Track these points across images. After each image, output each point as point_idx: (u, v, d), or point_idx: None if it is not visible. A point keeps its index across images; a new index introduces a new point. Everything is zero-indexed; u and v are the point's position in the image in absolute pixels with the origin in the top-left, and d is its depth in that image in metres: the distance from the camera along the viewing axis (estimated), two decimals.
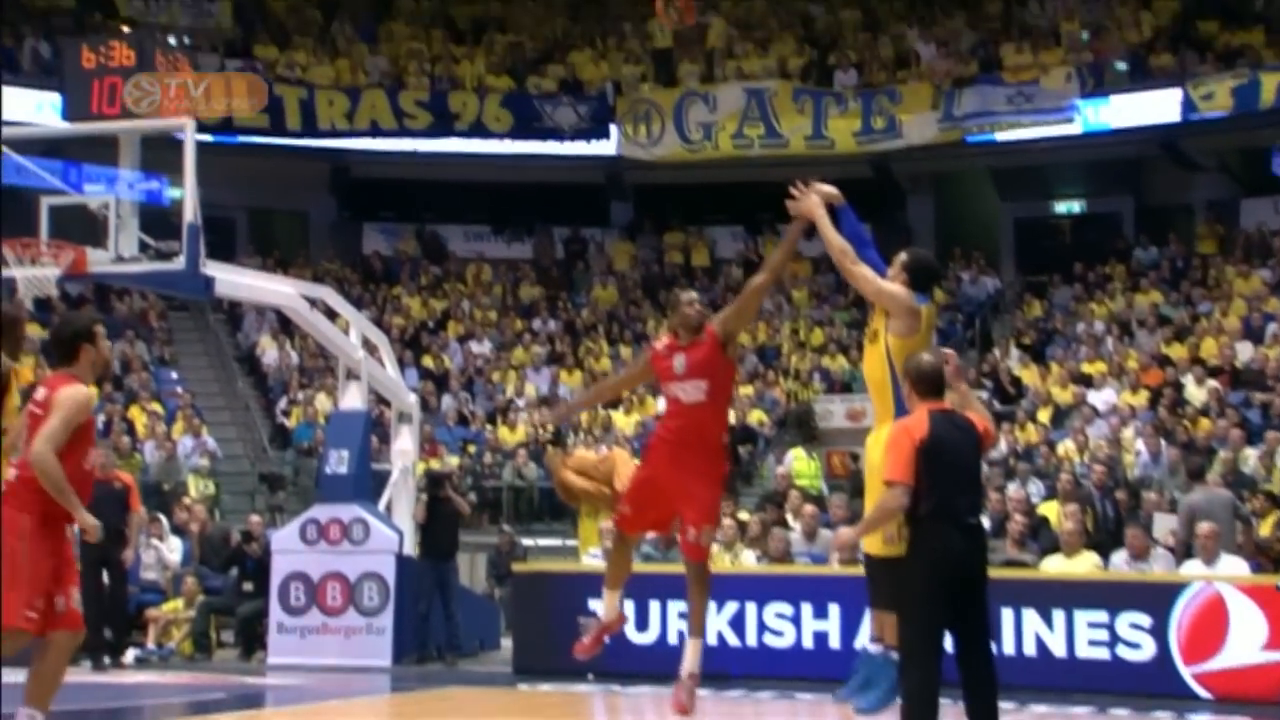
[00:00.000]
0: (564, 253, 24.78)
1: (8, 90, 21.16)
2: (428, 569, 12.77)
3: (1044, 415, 17.02)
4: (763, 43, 24.77)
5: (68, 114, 12.73)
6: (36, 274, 11.33)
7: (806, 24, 25.57)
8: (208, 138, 19.77)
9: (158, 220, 12.21)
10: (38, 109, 20.72)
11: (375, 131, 23.19)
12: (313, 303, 13.33)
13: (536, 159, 23.66)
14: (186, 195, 11.74)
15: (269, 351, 20.84)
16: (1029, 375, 18.56)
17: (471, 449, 18.63)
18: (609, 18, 26.55)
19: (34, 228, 12.00)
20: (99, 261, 11.52)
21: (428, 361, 20.97)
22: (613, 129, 23.48)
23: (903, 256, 6.47)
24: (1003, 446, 15.17)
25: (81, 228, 11.85)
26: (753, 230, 24.24)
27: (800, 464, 15.93)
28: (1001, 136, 22.34)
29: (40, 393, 6.14)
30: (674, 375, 6.83)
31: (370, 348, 13.95)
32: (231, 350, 21.70)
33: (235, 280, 12.72)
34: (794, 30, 25.25)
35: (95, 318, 6.60)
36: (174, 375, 20.15)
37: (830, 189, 6.92)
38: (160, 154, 12.44)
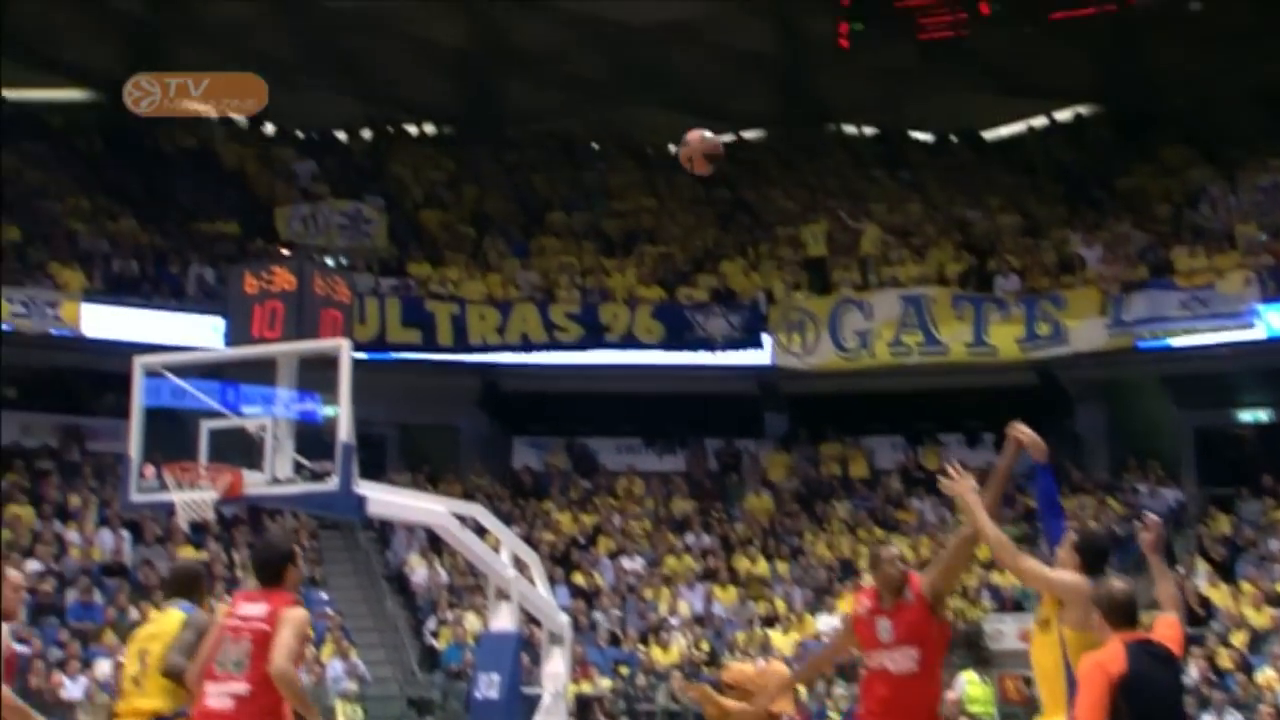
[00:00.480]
0: (717, 465, 24.95)
1: (174, 316, 22.56)
2: None
3: (1238, 639, 16.42)
4: (919, 249, 25.09)
5: (230, 338, 13.32)
6: (195, 498, 11.69)
7: (964, 229, 25.86)
8: (361, 355, 20.66)
9: (311, 439, 12.69)
10: (201, 333, 21.94)
11: (526, 345, 23.93)
12: (463, 520, 13.61)
13: (688, 370, 24.07)
14: (341, 415, 12.09)
15: (418, 570, 21.21)
16: (1219, 595, 17.98)
17: (624, 671, 18.53)
18: (760, 226, 27.22)
19: (190, 449, 12.65)
20: (255, 484, 11.92)
21: (578, 579, 21.11)
22: (766, 338, 23.84)
23: (1073, 536, 6.14)
24: (1194, 673, 14.62)
25: (237, 449, 12.41)
26: (913, 440, 24.16)
27: (973, 688, 15.48)
28: (1176, 342, 22.08)
29: (254, 609, 6.40)
30: (880, 643, 6.36)
31: (521, 565, 14.13)
32: (380, 569, 22.13)
33: (387, 499, 13.03)
34: (951, 236, 25.55)
35: (295, 539, 6.94)
36: (323, 596, 20.59)
37: (1031, 436, 6.48)
38: (314, 373, 12.96)
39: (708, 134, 8.63)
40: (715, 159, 8.85)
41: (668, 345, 23.90)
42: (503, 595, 13.72)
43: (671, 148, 30.39)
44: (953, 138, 30.46)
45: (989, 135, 30.10)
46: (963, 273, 24.14)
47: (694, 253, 26.40)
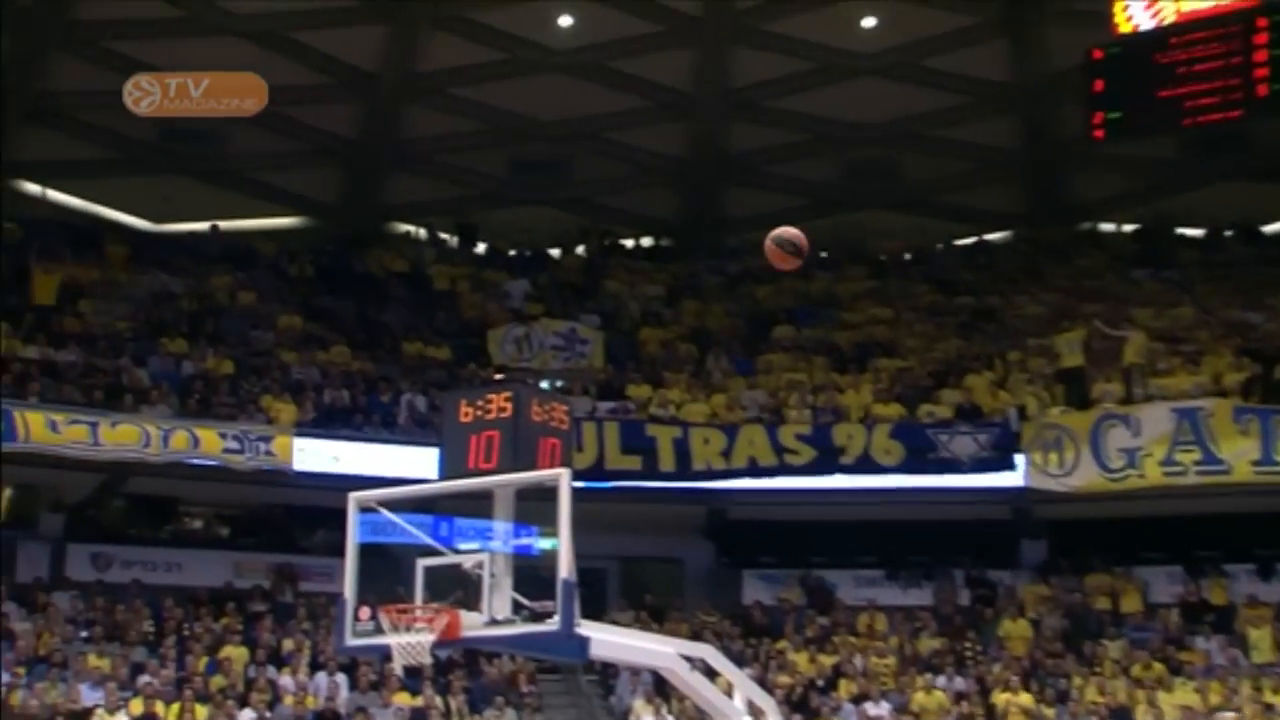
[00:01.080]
0: (969, 598, 24.32)
1: (386, 448, 23.18)
2: None
3: None
4: (1192, 356, 24.21)
5: (444, 470, 13.46)
6: (412, 641, 11.75)
7: (1243, 333, 24.88)
8: (579, 484, 20.83)
9: (528, 575, 12.47)
10: (414, 464, 22.46)
11: (754, 470, 23.77)
12: (691, 662, 13.44)
13: (933, 494, 23.57)
14: (562, 550, 11.89)
15: (644, 717, 21.05)
16: None
17: None
18: (1007, 335, 26.69)
19: (403, 588, 12.74)
20: (473, 625, 11.80)
21: None
22: (1019, 458, 23.20)
23: None
24: None
25: (452, 587, 12.50)
26: (1193, 571, 23.10)
27: None
28: None
29: None
30: None
31: (756, 712, 13.87)
32: (604, 716, 22.07)
33: (612, 640, 12.82)
34: (1229, 341, 24.60)
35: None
36: None
37: None
38: (530, 504, 12.91)
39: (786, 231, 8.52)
40: (795, 252, 8.76)
41: (909, 468, 23.47)
42: None
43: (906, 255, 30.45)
44: (1226, 232, 29.50)
45: (1268, 229, 29.03)
46: (1244, 382, 23.15)
47: (935, 366, 26.06)
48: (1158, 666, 21.25)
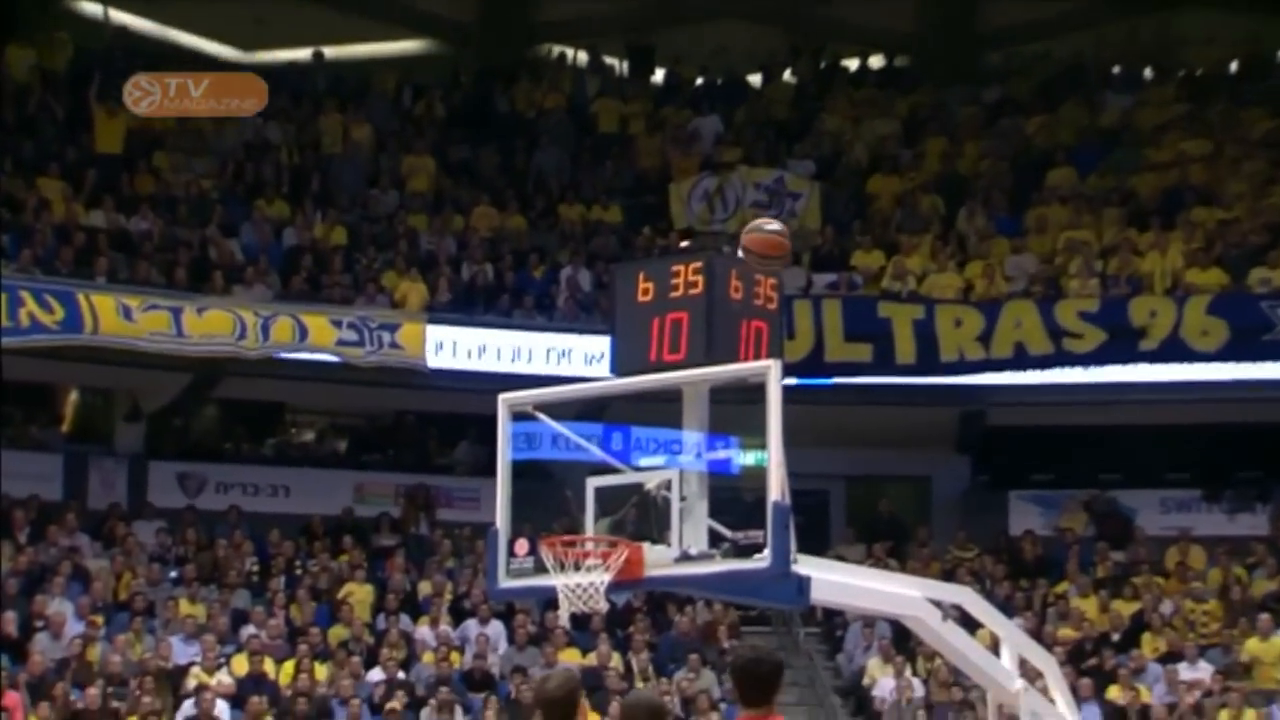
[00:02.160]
0: None
1: (543, 338, 23.44)
2: None
3: None
4: None
5: (618, 364, 13.49)
6: (582, 583, 11.81)
7: None
8: (791, 381, 20.87)
9: (724, 499, 12.40)
10: (577, 358, 22.70)
11: (1022, 361, 23.65)
12: (942, 609, 13.39)
13: (1267, 388, 23.22)
14: (771, 466, 11.67)
15: (881, 681, 21.22)
16: None
17: None
18: None
19: (564, 514, 12.78)
20: (658, 563, 11.76)
21: (1114, 692, 20.56)
22: None
23: None
24: None
25: (627, 514, 12.55)
26: None
27: None
28: None
29: None
30: None
31: (1030, 674, 13.84)
32: (830, 679, 22.24)
33: (838, 580, 12.80)
34: None
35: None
36: None
37: None
38: (725, 409, 12.65)
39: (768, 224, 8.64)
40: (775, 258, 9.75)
41: (1234, 353, 23.15)
42: (1007, 718, 13.38)
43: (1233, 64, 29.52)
44: None
45: None
46: None
47: (1269, 218, 25.49)
48: None
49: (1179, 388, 23.49)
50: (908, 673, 21.13)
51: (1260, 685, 20.76)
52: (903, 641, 20.88)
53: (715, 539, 11.94)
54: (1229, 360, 23.27)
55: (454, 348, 23.19)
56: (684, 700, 20.24)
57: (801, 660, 22.53)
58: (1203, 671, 20.95)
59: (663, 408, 12.74)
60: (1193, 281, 24.15)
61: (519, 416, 12.69)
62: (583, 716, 7.13)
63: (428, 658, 20.74)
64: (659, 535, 11.91)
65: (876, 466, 25.49)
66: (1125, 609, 22.42)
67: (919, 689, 20.96)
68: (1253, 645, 21.07)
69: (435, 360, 23.07)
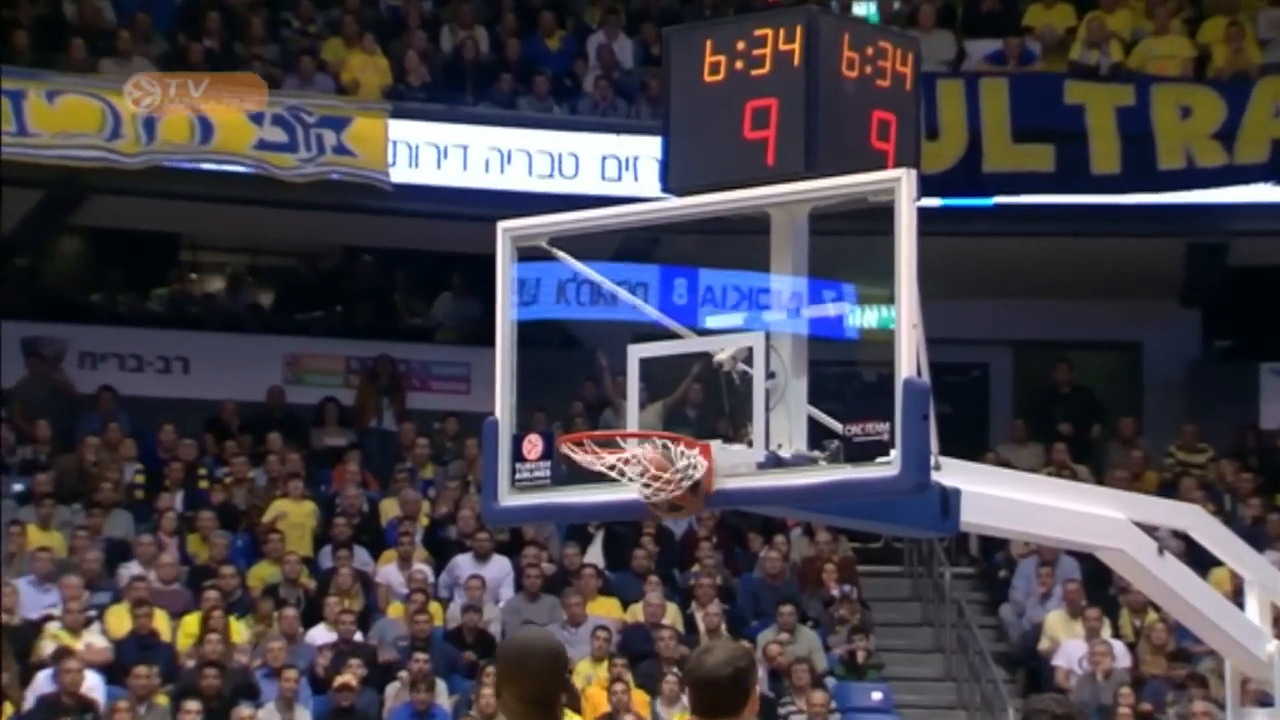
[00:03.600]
0: None
1: (557, 137, 23.40)
2: None
3: None
4: None
5: (672, 178, 13.45)
6: (623, 500, 11.90)
7: None
8: (934, 201, 20.78)
9: (832, 373, 12.73)
10: (611, 166, 22.83)
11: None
12: (1159, 538, 13.31)
13: None
14: (901, 328, 11.97)
15: (1065, 644, 21.30)
16: None
17: None
18: None
19: (592, 401, 12.75)
20: (735, 470, 11.72)
21: None
22: None
23: None
24: None
25: (684, 399, 12.72)
26: None
27: None
28: None
29: None
30: None
31: None
32: (989, 640, 22.36)
33: (1003, 497, 12.89)
34: None
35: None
36: (875, 697, 20.88)
37: None
38: (835, 239, 12.80)
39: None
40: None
41: None
42: (1254, 698, 13.68)
43: None
44: None
45: None
46: None
47: None
48: None
49: None
50: (1105, 633, 21.24)
51: None
52: (1099, 587, 21.01)
53: (819, 435, 11.92)
54: None
55: (430, 153, 23.29)
56: (771, 670, 20.40)
57: (948, 613, 22.63)
58: None
59: (740, 242, 12.90)
60: None
61: (527, 256, 12.69)
62: (753, 709, 7.41)
63: (394, 610, 20.95)
64: (735, 430, 11.94)
65: (1060, 328, 25.59)
66: None
67: (1122, 656, 21.08)
68: None
69: (402, 173, 23.14)
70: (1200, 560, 14.27)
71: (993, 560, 23.02)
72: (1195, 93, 23.98)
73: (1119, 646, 21.09)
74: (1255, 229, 24.38)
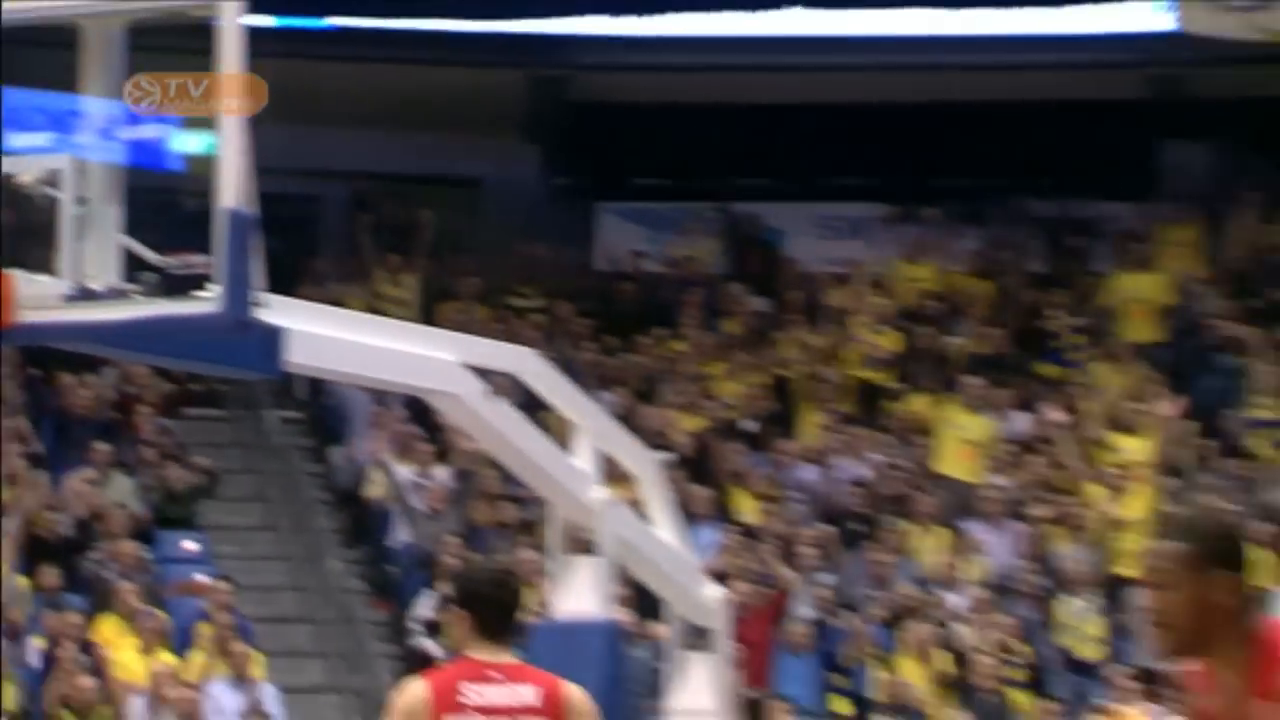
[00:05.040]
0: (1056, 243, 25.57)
1: None
2: None
3: None
4: None
5: None
6: None
7: None
8: (269, 21, 20.68)
9: (151, 203, 12.73)
10: None
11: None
12: (491, 383, 13.67)
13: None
14: (225, 151, 11.99)
15: (396, 471, 21.55)
16: None
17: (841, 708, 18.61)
18: None
19: None
20: (41, 302, 11.86)
21: (745, 504, 21.32)
22: None
23: None
24: None
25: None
26: None
27: None
28: None
29: (506, 693, 8.11)
30: None
31: (625, 480, 14.14)
32: (314, 489, 22.65)
33: (331, 337, 12.91)
34: None
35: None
36: (191, 547, 20.93)
37: None
38: (153, 59, 12.89)
39: None
40: None
41: None
42: (580, 546, 13.76)
43: None
44: None
45: None
46: None
47: None
48: None
49: (859, 45, 24.33)
50: (441, 472, 21.53)
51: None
52: (434, 434, 21.27)
53: (135, 267, 12.08)
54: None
55: None
56: (92, 515, 20.08)
57: (272, 462, 22.80)
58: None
59: (52, 57, 12.57)
60: None
61: None
62: None
63: None
64: (40, 259, 12.00)
65: (396, 160, 25.77)
66: (769, 379, 23.17)
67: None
68: None
69: None
70: (533, 405, 14.63)
71: (320, 401, 23.07)
72: None
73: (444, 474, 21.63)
74: (596, 64, 25.12)
